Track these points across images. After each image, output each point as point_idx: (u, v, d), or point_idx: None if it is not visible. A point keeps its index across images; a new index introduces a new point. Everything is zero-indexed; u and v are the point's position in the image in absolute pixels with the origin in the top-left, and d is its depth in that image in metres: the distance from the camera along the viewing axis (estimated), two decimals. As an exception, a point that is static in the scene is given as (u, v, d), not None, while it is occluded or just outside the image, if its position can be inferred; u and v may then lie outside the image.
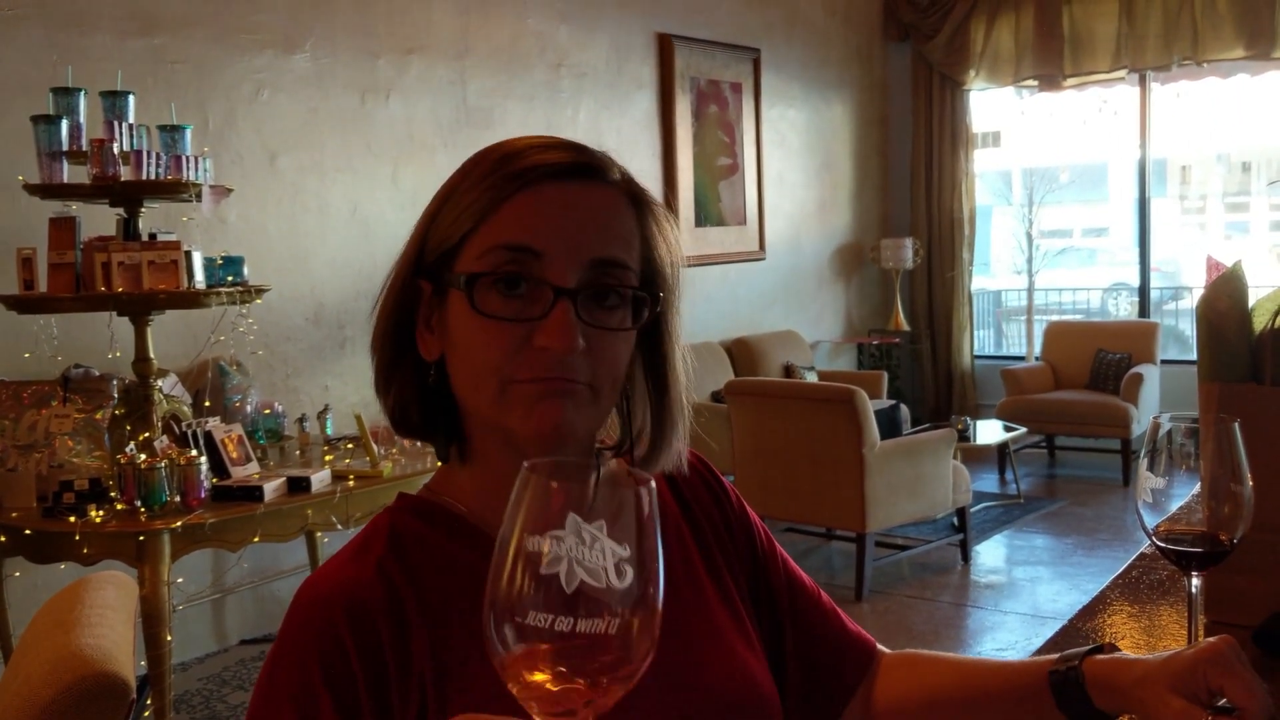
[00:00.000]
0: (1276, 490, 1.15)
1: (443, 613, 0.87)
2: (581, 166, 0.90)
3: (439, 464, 0.99)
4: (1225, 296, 1.27)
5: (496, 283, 0.86)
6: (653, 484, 0.62)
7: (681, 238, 0.97)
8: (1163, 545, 1.07)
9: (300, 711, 0.82)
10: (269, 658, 0.86)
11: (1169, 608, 1.36)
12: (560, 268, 0.86)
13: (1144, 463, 1.06)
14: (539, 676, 0.60)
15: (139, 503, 3.11)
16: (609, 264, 0.88)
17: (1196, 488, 1.10)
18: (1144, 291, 7.92)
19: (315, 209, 4.68)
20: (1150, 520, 1.08)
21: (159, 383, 3.50)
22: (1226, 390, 1.24)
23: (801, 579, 1.08)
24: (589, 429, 0.91)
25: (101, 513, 3.09)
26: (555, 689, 0.60)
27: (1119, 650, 0.93)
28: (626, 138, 6.14)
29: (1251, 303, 1.28)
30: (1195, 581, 1.08)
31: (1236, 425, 1.04)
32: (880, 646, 1.10)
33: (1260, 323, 1.26)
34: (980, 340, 8.87)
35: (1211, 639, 0.87)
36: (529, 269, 0.86)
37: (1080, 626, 1.31)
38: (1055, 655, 0.95)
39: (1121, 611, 1.36)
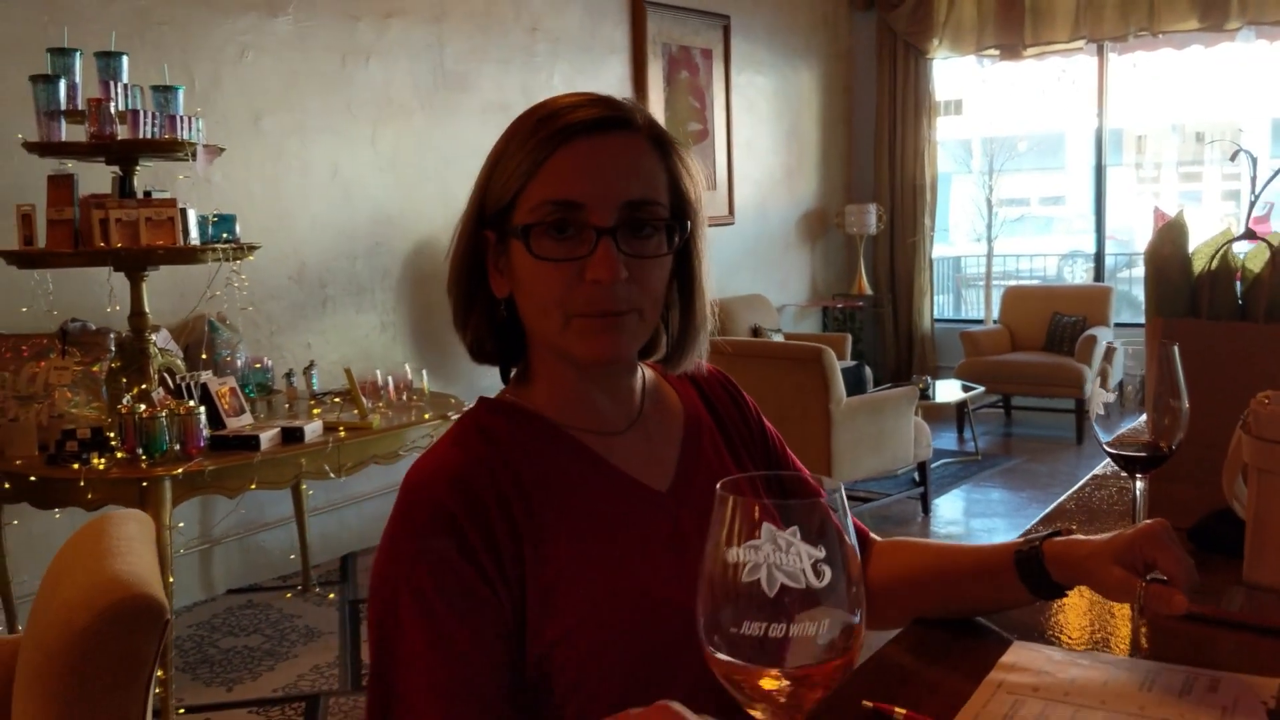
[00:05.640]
0: (1211, 411, 1.32)
1: (533, 491, 1.02)
2: (608, 120, 1.03)
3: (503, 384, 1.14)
4: (1169, 243, 1.44)
5: (548, 230, 1.00)
6: (842, 492, 0.67)
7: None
8: (1113, 452, 1.24)
9: (437, 577, 0.95)
10: (385, 542, 0.99)
11: (1117, 517, 1.54)
12: (599, 212, 1.00)
13: (1096, 381, 1.23)
14: (767, 684, 0.64)
15: (140, 451, 3.23)
16: (640, 203, 1.02)
17: (1140, 419, 1.27)
18: (1099, 258, 8.16)
19: (297, 169, 4.77)
20: (1102, 432, 1.25)
21: (153, 337, 3.60)
22: (1170, 325, 1.41)
23: (807, 477, 1.25)
24: (637, 348, 1.07)
25: (103, 460, 3.20)
26: (781, 697, 0.64)
27: (1075, 533, 1.10)
28: (599, 103, 6.24)
29: (1191, 248, 1.45)
30: (1140, 484, 1.25)
31: (1175, 348, 1.21)
32: (873, 535, 1.27)
33: (1199, 265, 1.43)
34: (940, 305, 9.08)
35: (1148, 521, 1.04)
36: (573, 216, 1.00)
37: (1039, 529, 1.48)
38: (1020, 539, 1.12)
39: (1075, 519, 1.53)
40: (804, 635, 0.63)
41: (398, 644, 0.94)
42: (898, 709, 0.92)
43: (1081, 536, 1.08)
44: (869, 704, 0.94)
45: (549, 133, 1.01)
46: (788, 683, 0.64)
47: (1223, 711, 0.92)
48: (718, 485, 0.67)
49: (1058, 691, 0.97)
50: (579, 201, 1.00)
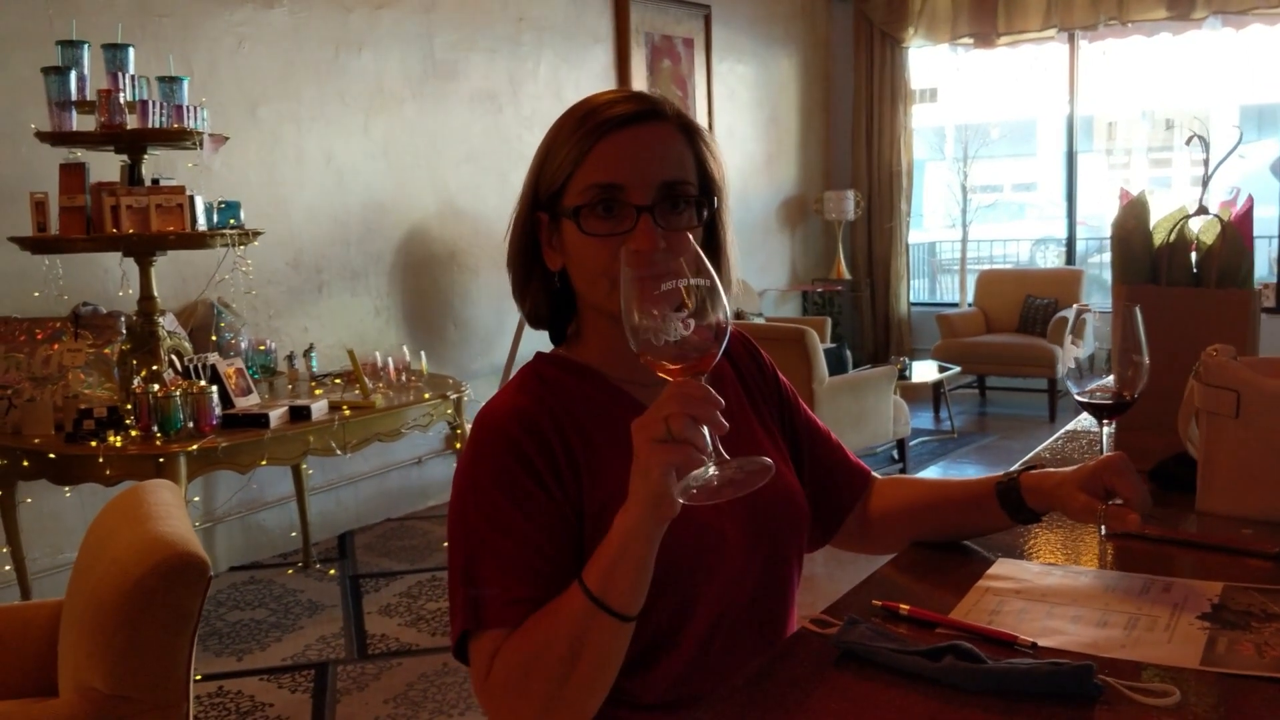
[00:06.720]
0: (1168, 367, 1.49)
1: (585, 428, 1.18)
2: (643, 113, 1.19)
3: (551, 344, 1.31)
4: (1133, 218, 1.60)
5: (595, 210, 1.16)
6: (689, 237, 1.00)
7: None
8: (1084, 401, 1.40)
9: (503, 489, 1.12)
10: (461, 468, 1.16)
11: (1087, 467, 1.70)
12: (638, 192, 1.16)
13: (1068, 339, 1.40)
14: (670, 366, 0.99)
15: (155, 429, 3.35)
16: (673, 184, 1.18)
17: (1108, 379, 1.44)
18: (1071, 243, 8.37)
19: (293, 158, 4.89)
20: (1073, 385, 1.41)
21: (161, 320, 3.72)
22: (1133, 290, 1.57)
23: (816, 422, 1.41)
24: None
25: (120, 438, 3.33)
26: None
27: (1046, 467, 1.27)
28: (584, 90, 6.30)
29: (1152, 223, 1.62)
30: (1108, 429, 1.42)
31: (1137, 309, 1.37)
32: (874, 474, 1.43)
33: (1159, 238, 1.60)
34: (916, 289, 9.27)
35: (1109, 453, 1.21)
36: (616, 197, 1.16)
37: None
38: (1000, 474, 1.29)
39: (1049, 467, 1.70)
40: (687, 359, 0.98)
41: (470, 539, 1.12)
42: (902, 605, 1.08)
43: (1052, 469, 1.25)
44: (878, 602, 1.11)
45: (591, 126, 1.17)
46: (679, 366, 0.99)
47: (1174, 607, 1.09)
48: (622, 250, 1.00)
49: (1036, 594, 1.13)
50: (620, 184, 1.15)
